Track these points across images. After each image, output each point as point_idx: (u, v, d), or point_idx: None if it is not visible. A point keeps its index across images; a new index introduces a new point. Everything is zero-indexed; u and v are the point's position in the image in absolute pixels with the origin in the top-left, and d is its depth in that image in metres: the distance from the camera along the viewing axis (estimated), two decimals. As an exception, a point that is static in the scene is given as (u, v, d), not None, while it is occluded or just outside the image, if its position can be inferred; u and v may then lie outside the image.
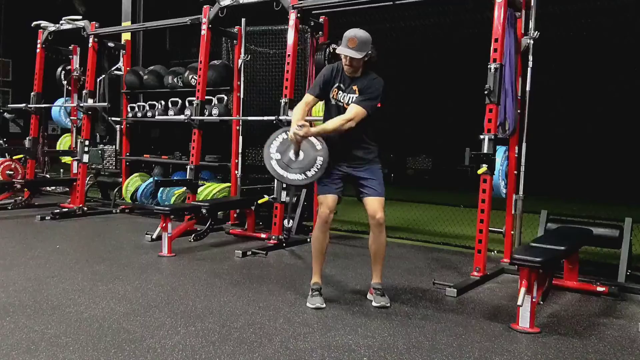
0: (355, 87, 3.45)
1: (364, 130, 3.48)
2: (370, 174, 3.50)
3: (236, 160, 6.13)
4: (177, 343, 2.79)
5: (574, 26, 8.14)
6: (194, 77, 6.57)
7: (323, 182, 3.56)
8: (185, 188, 6.16)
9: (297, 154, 3.42)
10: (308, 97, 3.58)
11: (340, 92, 3.49)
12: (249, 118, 5.98)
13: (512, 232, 4.59)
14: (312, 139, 3.44)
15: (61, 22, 7.46)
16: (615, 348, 2.90)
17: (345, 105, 3.48)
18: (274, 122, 5.27)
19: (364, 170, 3.50)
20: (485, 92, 4.05)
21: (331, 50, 5.57)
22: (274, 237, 5.23)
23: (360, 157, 3.51)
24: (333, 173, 3.52)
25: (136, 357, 2.61)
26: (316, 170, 3.42)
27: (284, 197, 5.18)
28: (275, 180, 5.18)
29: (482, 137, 4.05)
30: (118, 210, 7.11)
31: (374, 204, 3.46)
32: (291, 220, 4.74)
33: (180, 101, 6.86)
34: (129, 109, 7.53)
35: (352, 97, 3.45)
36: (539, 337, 3.03)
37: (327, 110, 3.61)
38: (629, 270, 4.08)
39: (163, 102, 7.10)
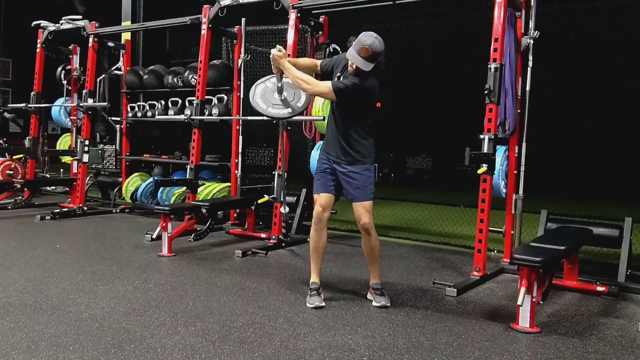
0: None
1: (356, 125, 3.45)
2: (356, 175, 3.44)
3: (236, 160, 6.13)
4: (177, 343, 2.79)
5: (574, 26, 8.15)
6: (194, 76, 6.57)
7: (317, 179, 3.57)
8: (185, 188, 6.16)
9: (280, 93, 3.57)
10: (317, 61, 3.73)
11: None
12: (249, 118, 5.97)
13: (512, 232, 4.59)
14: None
15: (61, 21, 7.46)
16: (615, 348, 2.90)
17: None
18: (274, 121, 5.26)
19: (350, 170, 3.45)
20: (485, 92, 4.04)
21: (331, 50, 5.57)
22: (274, 236, 5.23)
23: (348, 153, 3.45)
24: (324, 169, 3.53)
25: (136, 356, 2.61)
26: (301, 103, 3.58)
27: (282, 197, 5.16)
28: (275, 180, 5.18)
29: (482, 136, 4.05)
30: (118, 210, 7.11)
31: (358, 209, 3.44)
32: (287, 207, 4.68)
33: (180, 101, 6.86)
34: (129, 109, 7.53)
35: None
36: (539, 337, 3.03)
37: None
38: (629, 270, 4.07)
39: (163, 102, 7.10)
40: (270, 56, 3.50)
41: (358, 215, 3.44)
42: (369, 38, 3.27)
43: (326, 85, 3.38)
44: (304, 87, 3.48)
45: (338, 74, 3.51)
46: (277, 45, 3.53)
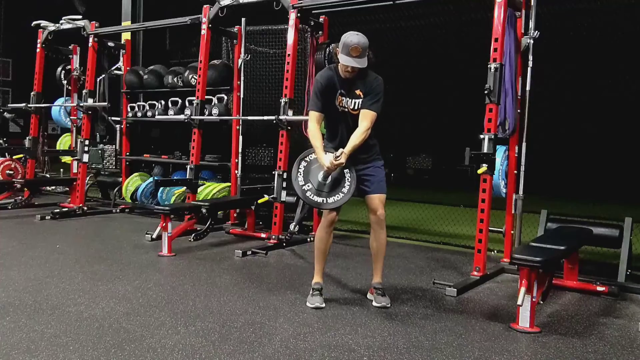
0: (358, 91, 3.41)
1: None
2: (372, 171, 3.51)
3: (236, 160, 6.13)
4: (177, 342, 2.79)
5: (574, 26, 8.15)
6: (194, 76, 6.57)
7: None
8: (185, 188, 6.16)
9: (325, 178, 3.41)
10: (315, 115, 3.50)
11: (344, 98, 3.44)
12: (249, 118, 5.98)
13: (512, 232, 4.59)
14: None
15: (61, 21, 7.46)
16: (615, 348, 2.90)
17: (350, 110, 3.44)
18: (274, 121, 5.28)
19: (366, 168, 3.51)
20: (485, 92, 4.04)
21: (331, 50, 5.57)
22: (274, 236, 5.23)
23: (362, 158, 3.51)
24: None
25: (136, 356, 2.61)
26: (348, 184, 3.43)
27: (283, 197, 5.18)
28: (275, 180, 5.19)
29: (482, 136, 4.05)
30: (118, 210, 7.11)
31: (375, 201, 3.48)
32: (297, 226, 4.81)
33: (180, 101, 6.86)
34: (129, 109, 7.54)
35: (357, 102, 3.42)
36: (539, 336, 3.03)
37: (328, 116, 3.54)
38: (629, 270, 4.08)
39: (163, 102, 7.10)
40: (330, 165, 3.32)
41: (375, 207, 3.47)
42: (353, 37, 3.30)
43: (373, 117, 3.39)
44: (366, 137, 3.39)
45: (340, 90, 3.44)
46: (333, 157, 3.32)
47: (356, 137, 3.38)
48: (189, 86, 6.77)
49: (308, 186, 3.44)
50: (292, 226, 5.07)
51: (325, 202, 3.43)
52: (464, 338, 2.98)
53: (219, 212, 6.18)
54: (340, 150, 3.35)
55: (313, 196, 3.42)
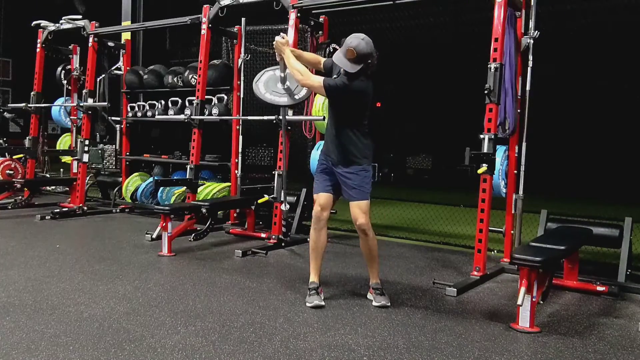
0: None
1: (351, 126, 3.44)
2: (352, 176, 3.43)
3: (236, 160, 6.13)
4: (177, 342, 2.79)
5: (574, 25, 8.15)
6: (194, 76, 6.57)
7: (316, 179, 3.58)
8: (185, 188, 6.17)
9: (283, 82, 3.77)
10: (322, 58, 3.74)
11: None
12: (249, 117, 5.97)
13: (512, 232, 4.59)
14: None
15: (61, 21, 7.46)
16: (615, 348, 2.90)
17: None
18: (274, 121, 5.27)
19: (346, 171, 3.44)
20: (485, 92, 4.05)
21: (331, 50, 5.58)
22: (274, 236, 5.23)
23: (344, 154, 3.45)
24: (323, 169, 3.55)
25: (136, 356, 2.61)
26: (299, 95, 3.78)
27: (283, 197, 5.17)
28: (275, 180, 5.18)
29: (482, 136, 4.05)
30: (118, 210, 7.11)
31: (354, 210, 3.43)
32: (287, 204, 4.70)
33: (180, 101, 6.87)
34: (129, 109, 7.54)
35: None
36: (539, 336, 3.03)
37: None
38: (629, 270, 4.08)
39: (163, 102, 7.11)
40: (274, 43, 3.64)
41: (354, 216, 3.44)
42: (354, 40, 3.28)
43: (317, 80, 3.44)
44: (297, 78, 3.57)
45: (335, 75, 3.52)
46: (281, 33, 3.67)
47: (296, 62, 3.58)
48: (189, 86, 6.77)
49: (266, 79, 3.88)
50: (282, 206, 4.83)
51: (276, 100, 3.82)
52: (464, 338, 2.98)
53: (219, 212, 6.18)
54: (284, 35, 3.71)
55: (263, 89, 3.82)
